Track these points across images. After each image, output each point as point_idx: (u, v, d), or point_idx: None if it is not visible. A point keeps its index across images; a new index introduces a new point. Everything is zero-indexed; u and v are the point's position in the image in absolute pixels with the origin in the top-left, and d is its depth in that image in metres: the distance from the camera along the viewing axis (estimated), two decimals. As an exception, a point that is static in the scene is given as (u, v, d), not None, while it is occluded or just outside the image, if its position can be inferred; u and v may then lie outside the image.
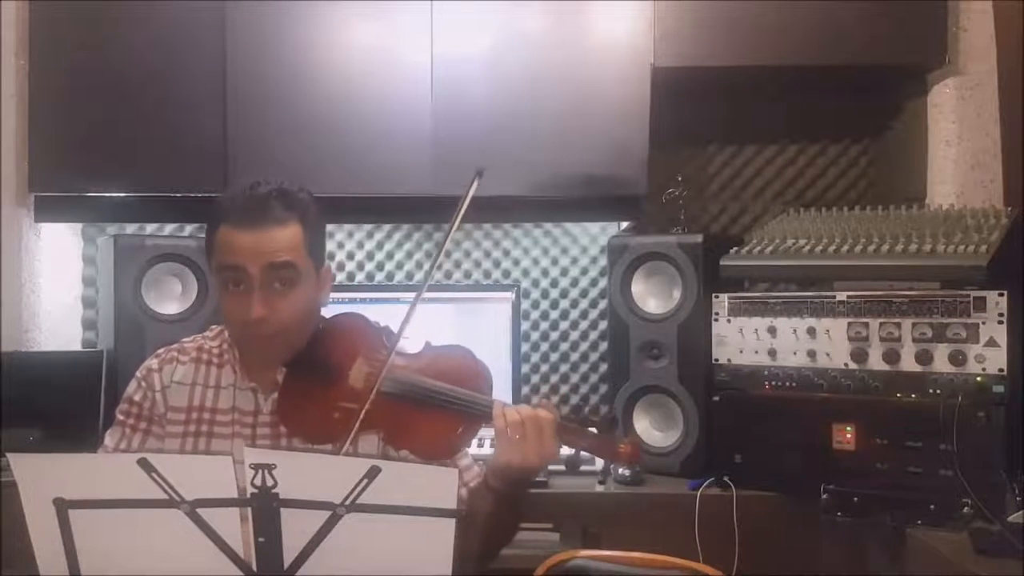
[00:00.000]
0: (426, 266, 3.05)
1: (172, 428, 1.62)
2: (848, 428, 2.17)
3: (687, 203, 2.76)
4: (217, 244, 1.56)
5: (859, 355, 2.19)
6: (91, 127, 2.67)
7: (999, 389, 2.02)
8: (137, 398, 1.64)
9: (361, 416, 1.50)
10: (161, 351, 1.69)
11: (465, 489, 1.63)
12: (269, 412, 1.61)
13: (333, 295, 1.72)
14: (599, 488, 2.41)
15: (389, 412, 1.54)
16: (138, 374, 1.66)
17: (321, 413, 1.56)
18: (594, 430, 1.58)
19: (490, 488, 1.55)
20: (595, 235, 3.04)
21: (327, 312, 1.70)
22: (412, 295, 2.74)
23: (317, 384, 1.58)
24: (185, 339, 1.72)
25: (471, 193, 1.64)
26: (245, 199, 1.56)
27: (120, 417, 1.65)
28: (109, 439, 1.65)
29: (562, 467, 1.69)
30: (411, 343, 1.62)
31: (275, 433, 1.61)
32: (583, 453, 1.60)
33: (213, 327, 1.74)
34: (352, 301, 2.67)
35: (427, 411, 1.55)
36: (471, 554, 1.56)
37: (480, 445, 2.44)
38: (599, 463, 2.47)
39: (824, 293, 2.26)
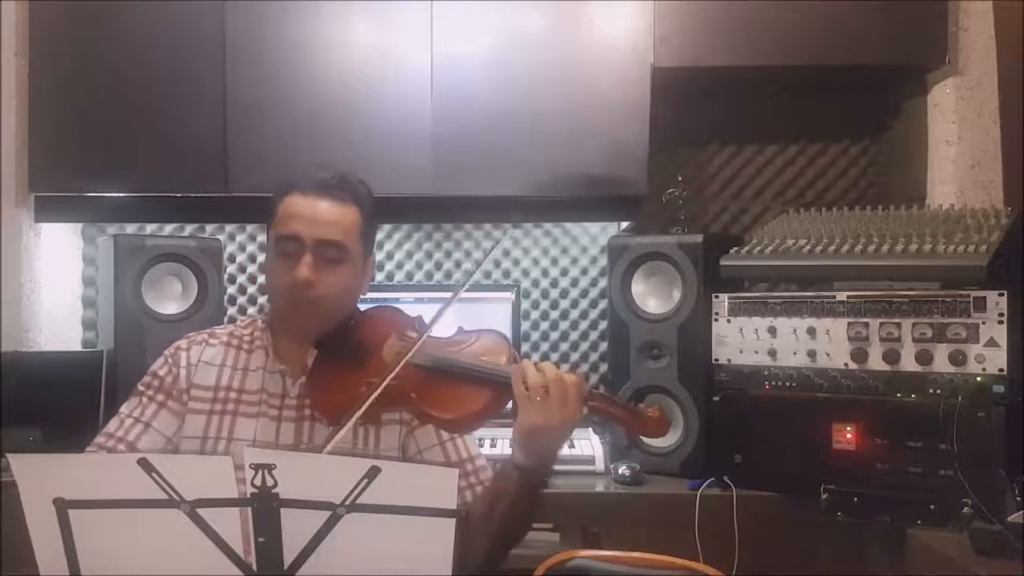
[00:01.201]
0: (426, 266, 3.05)
1: (197, 405, 1.64)
2: (848, 428, 2.17)
3: (687, 203, 2.76)
4: (280, 213, 1.66)
5: (859, 355, 2.19)
6: (91, 127, 2.67)
7: (999, 389, 2.02)
8: (161, 372, 1.68)
9: (389, 378, 1.49)
10: (192, 334, 1.75)
11: (481, 487, 1.64)
12: (296, 396, 1.65)
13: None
14: (599, 488, 2.42)
15: (419, 384, 1.56)
16: (167, 351, 1.72)
17: (349, 392, 1.56)
18: (620, 398, 1.60)
19: (516, 465, 1.54)
20: (595, 235, 3.04)
21: None
22: (412, 295, 2.79)
23: (346, 366, 1.61)
24: (217, 327, 1.78)
25: (497, 247, 1.69)
26: (315, 176, 1.67)
27: (140, 388, 1.68)
28: (125, 407, 1.68)
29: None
30: (443, 329, 1.65)
31: (300, 416, 1.64)
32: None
33: (244, 318, 1.78)
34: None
35: (455, 382, 1.57)
36: (485, 548, 1.57)
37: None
38: (600, 463, 2.48)
39: (824, 293, 2.26)
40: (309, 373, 1.64)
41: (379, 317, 1.71)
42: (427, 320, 1.64)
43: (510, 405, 1.54)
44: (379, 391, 1.49)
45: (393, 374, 1.50)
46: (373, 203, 1.72)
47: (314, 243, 1.61)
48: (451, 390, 1.56)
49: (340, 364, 1.61)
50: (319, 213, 1.63)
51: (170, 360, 1.69)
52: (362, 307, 1.75)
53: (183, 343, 1.72)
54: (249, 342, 1.72)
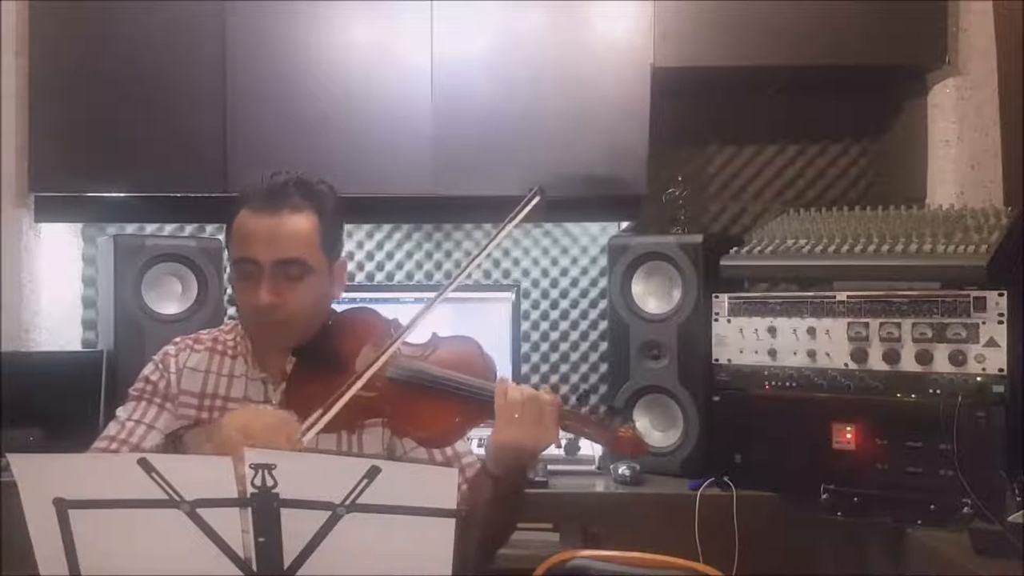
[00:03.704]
0: (426, 266, 3.05)
1: (184, 411, 1.64)
2: (848, 428, 2.18)
3: (687, 203, 2.76)
4: (234, 233, 1.60)
5: (859, 355, 2.19)
6: (91, 127, 2.67)
7: (999, 389, 2.02)
8: (153, 377, 1.67)
9: (359, 384, 1.49)
10: (178, 339, 1.73)
11: (467, 485, 1.63)
12: (278, 402, 1.63)
13: (333, 295, 1.73)
14: (599, 488, 2.41)
15: (394, 398, 1.55)
16: (155, 357, 1.70)
17: (327, 399, 1.56)
18: (595, 417, 1.59)
19: (488, 474, 1.55)
20: (595, 235, 3.04)
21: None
22: (412, 295, 2.79)
23: (324, 373, 1.59)
24: (203, 331, 1.75)
25: (529, 207, 1.70)
26: (265, 186, 1.60)
27: (134, 393, 1.67)
28: (122, 412, 1.65)
29: (561, 455, 1.68)
30: (418, 334, 1.63)
31: None
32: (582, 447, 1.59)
33: (228, 322, 1.77)
34: (352, 301, 2.66)
35: (431, 397, 1.56)
36: (470, 551, 1.56)
37: (481, 445, 2.44)
38: (600, 463, 2.48)
39: (824, 293, 2.26)
40: (288, 380, 1.62)
41: (355, 321, 1.68)
42: (405, 323, 1.62)
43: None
44: (339, 405, 1.48)
45: (363, 379, 1.49)
46: (336, 203, 1.66)
47: (271, 264, 1.55)
48: (425, 404, 1.55)
49: (318, 371, 1.60)
50: (273, 230, 1.55)
51: (160, 365, 1.68)
52: (343, 308, 1.72)
53: (171, 348, 1.70)
54: (233, 347, 1.69)
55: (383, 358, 1.52)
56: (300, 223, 1.58)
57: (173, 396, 1.65)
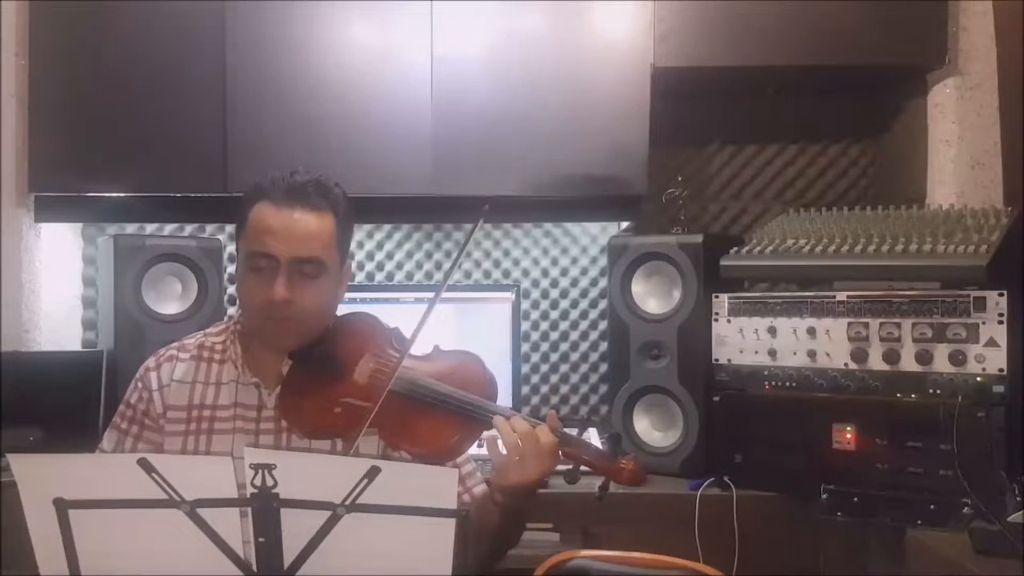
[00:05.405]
0: (426, 266, 3.05)
1: (173, 427, 1.61)
2: (848, 428, 2.17)
3: (687, 203, 2.76)
4: (251, 224, 1.57)
5: (859, 355, 2.19)
6: (91, 127, 2.67)
7: (999, 389, 2.02)
8: (133, 400, 1.65)
9: (371, 417, 1.49)
10: (162, 350, 1.69)
11: (468, 495, 1.63)
12: (274, 407, 1.61)
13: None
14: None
15: (391, 411, 1.53)
16: (137, 375, 1.67)
17: (323, 408, 1.56)
18: (596, 446, 1.60)
19: (495, 503, 1.55)
20: (595, 235, 3.04)
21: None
22: (412, 295, 2.79)
23: (321, 379, 1.58)
24: (187, 337, 1.71)
25: (479, 225, 1.71)
26: (285, 182, 1.58)
27: (116, 420, 1.66)
28: (106, 442, 1.66)
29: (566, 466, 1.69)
30: (420, 346, 1.62)
31: (278, 428, 1.60)
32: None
33: (218, 323, 1.75)
34: (351, 301, 2.66)
35: (429, 413, 1.55)
36: (478, 559, 1.57)
37: (480, 445, 2.44)
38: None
39: (824, 293, 2.26)
40: (283, 386, 1.59)
41: (356, 327, 1.67)
42: (404, 331, 1.61)
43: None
44: (362, 432, 1.48)
45: (373, 413, 1.49)
46: (348, 205, 1.64)
47: (289, 261, 1.54)
48: (424, 421, 1.55)
49: (314, 376, 1.58)
50: (293, 227, 1.54)
51: (140, 385, 1.64)
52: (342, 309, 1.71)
53: (151, 362, 1.66)
54: (221, 351, 1.66)
55: (392, 380, 1.52)
56: (320, 223, 1.57)
57: (156, 416, 1.62)
